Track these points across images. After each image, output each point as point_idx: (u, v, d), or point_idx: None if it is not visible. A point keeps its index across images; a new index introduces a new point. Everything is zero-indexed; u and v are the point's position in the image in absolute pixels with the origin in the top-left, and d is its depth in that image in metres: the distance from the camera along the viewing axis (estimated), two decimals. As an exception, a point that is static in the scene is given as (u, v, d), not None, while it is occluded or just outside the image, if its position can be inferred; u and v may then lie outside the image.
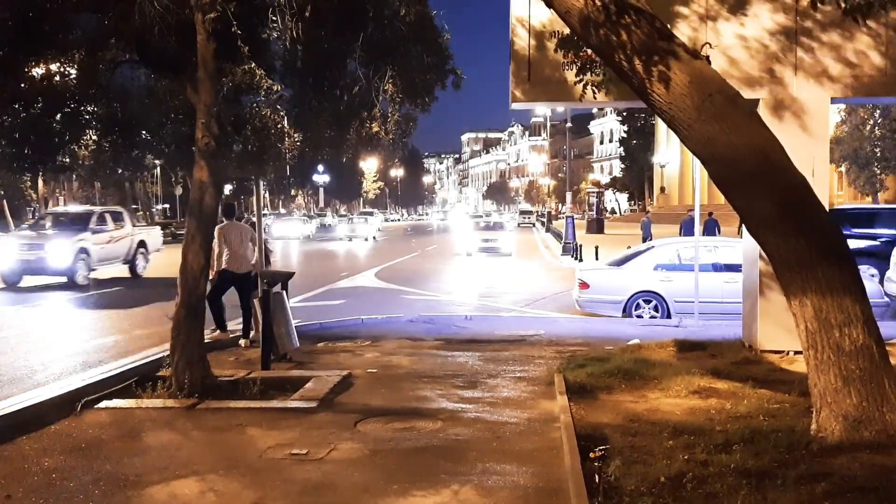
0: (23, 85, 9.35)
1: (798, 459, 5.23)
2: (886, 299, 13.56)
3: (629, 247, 17.63)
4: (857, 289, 5.57)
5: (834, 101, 9.37)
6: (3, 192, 47.67)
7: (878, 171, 32.31)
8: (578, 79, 7.27)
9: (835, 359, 5.50)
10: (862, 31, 8.61)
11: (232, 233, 10.78)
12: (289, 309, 9.58)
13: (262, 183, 9.94)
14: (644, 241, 27.05)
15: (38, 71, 9.44)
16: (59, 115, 9.52)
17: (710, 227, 24.38)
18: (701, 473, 4.98)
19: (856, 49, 8.83)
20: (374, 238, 48.61)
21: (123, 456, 5.94)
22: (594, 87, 7.46)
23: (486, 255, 31.48)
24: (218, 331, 10.96)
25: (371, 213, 66.85)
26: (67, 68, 9.59)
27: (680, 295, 13.17)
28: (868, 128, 31.89)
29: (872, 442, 5.36)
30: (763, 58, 8.98)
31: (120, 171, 45.09)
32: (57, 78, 9.57)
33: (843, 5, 5.22)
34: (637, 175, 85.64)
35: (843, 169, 35.02)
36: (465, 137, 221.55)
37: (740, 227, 25.82)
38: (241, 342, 10.61)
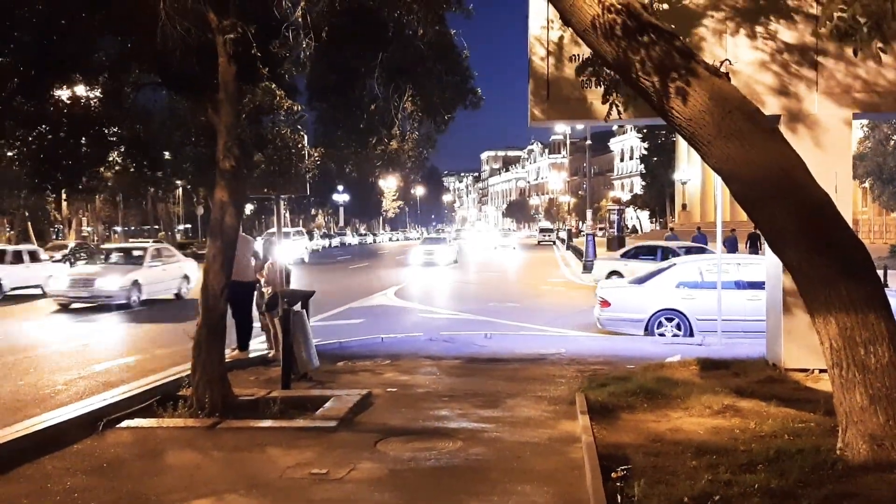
0: (51, 108, 9.51)
1: (823, 479, 5.14)
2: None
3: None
4: (883, 306, 5.48)
5: (856, 116, 9.28)
6: (27, 214, 48.34)
7: (903, 187, 32.03)
8: (606, 99, 7.24)
9: (860, 377, 5.41)
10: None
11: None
12: (309, 328, 9.60)
13: (282, 202, 10.03)
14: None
15: (64, 94, 9.60)
16: (84, 137, 9.69)
17: (731, 244, 24.17)
18: (725, 494, 4.91)
19: (877, 64, 8.74)
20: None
21: (144, 475, 5.97)
22: (616, 106, 7.44)
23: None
24: (237, 349, 11.01)
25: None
26: (93, 91, 9.76)
27: (702, 313, 13.05)
28: (892, 143, 31.56)
29: (900, 462, 5.25)
30: (783, 74, 8.93)
31: (149, 190, 45.35)
32: (83, 101, 9.74)
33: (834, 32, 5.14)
34: (658, 192, 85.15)
35: (866, 185, 34.66)
36: (484, 156, 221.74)
37: (748, 241, 25.54)
38: (235, 352, 10.78)
